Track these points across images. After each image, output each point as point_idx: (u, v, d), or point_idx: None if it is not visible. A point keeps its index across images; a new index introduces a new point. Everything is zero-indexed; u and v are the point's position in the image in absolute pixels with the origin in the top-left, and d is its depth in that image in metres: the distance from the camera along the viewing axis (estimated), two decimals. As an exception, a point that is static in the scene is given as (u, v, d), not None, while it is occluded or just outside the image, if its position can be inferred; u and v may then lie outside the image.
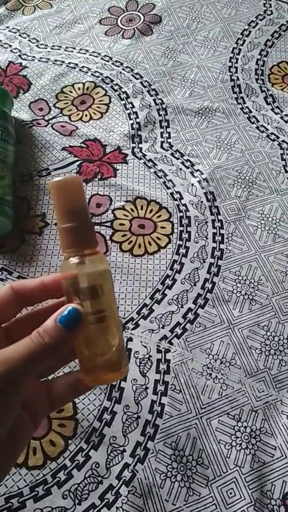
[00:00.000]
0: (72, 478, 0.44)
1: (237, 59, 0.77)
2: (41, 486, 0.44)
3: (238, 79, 0.74)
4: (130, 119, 0.69)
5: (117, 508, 0.43)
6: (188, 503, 0.44)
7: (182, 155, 0.66)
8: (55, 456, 0.45)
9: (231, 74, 0.75)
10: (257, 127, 0.69)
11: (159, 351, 0.51)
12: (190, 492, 0.44)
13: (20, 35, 0.78)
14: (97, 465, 0.45)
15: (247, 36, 0.79)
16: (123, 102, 0.71)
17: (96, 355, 0.29)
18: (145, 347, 0.51)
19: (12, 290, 0.30)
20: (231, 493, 0.45)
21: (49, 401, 0.31)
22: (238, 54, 0.77)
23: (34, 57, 0.75)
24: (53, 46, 0.77)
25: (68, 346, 0.27)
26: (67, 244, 0.29)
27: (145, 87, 0.72)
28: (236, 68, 0.75)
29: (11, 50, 0.76)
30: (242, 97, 0.72)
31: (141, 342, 0.52)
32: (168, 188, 0.63)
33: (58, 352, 0.26)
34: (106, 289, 0.29)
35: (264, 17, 0.80)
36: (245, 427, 0.48)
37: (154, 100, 0.71)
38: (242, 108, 0.71)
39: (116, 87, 0.72)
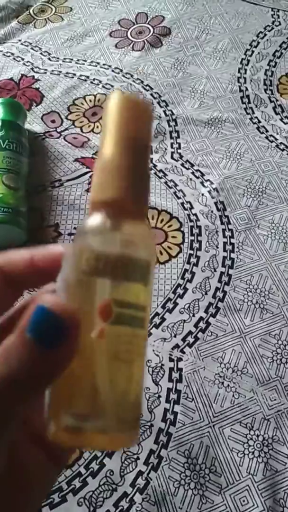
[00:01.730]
0: (87, 486, 0.45)
1: (245, 69, 0.78)
2: (57, 493, 0.45)
3: (247, 89, 0.75)
4: (141, 130, 0.70)
5: (131, 515, 0.44)
6: (202, 511, 0.44)
7: (192, 165, 0.67)
8: (70, 463, 0.46)
9: (240, 84, 0.76)
10: (266, 137, 0.70)
11: (171, 359, 0.52)
12: (203, 500, 0.45)
13: (32, 48, 0.80)
14: (111, 473, 0.46)
15: (256, 47, 0.80)
16: (133, 113, 0.72)
17: (88, 406, 0.17)
18: (158, 355, 0.52)
19: None
20: (244, 501, 0.45)
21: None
22: (247, 65, 0.78)
23: (46, 70, 0.77)
24: (64, 59, 0.79)
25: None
26: (104, 188, 0.19)
27: (155, 98, 0.73)
28: (245, 78, 0.76)
29: (24, 63, 0.77)
30: (251, 108, 0.73)
31: (153, 351, 0.52)
32: (179, 198, 0.64)
33: (39, 389, 0.16)
34: (149, 280, 0.19)
35: (273, 28, 0.81)
36: (258, 436, 0.48)
37: (164, 111, 0.72)
38: (251, 118, 0.72)
39: (126, 99, 0.73)
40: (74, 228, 0.60)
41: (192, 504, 0.44)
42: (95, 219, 0.19)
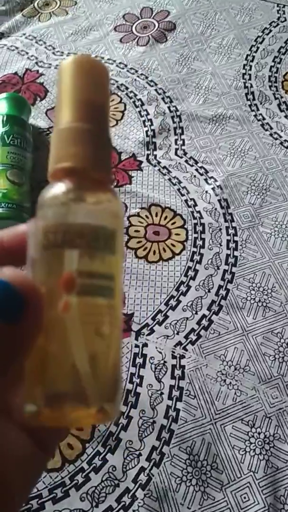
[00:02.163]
0: (89, 481, 0.45)
1: (250, 66, 0.77)
2: (60, 488, 0.45)
3: (251, 86, 0.75)
4: (145, 126, 0.70)
5: (133, 511, 0.44)
6: (203, 507, 0.45)
7: (196, 162, 0.67)
8: (73, 459, 0.46)
9: (244, 81, 0.75)
10: (271, 134, 0.69)
11: (174, 357, 0.52)
12: (205, 496, 0.45)
13: (36, 42, 0.80)
14: (113, 469, 0.46)
15: (261, 43, 0.79)
16: (138, 109, 0.72)
17: (63, 380, 0.17)
18: (160, 353, 0.52)
19: None
20: (245, 497, 0.45)
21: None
22: (252, 61, 0.78)
23: (50, 64, 0.76)
24: (69, 53, 0.78)
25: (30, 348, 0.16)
26: (63, 156, 0.18)
27: (159, 94, 0.73)
28: (250, 75, 0.76)
29: (28, 58, 0.77)
30: (255, 104, 0.73)
31: (156, 348, 0.53)
32: (183, 195, 0.63)
33: (8, 361, 0.16)
34: (117, 247, 0.18)
35: (278, 24, 0.81)
36: (259, 433, 0.48)
37: (169, 107, 0.72)
38: (255, 115, 0.71)
39: (131, 94, 0.73)
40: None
41: (193, 500, 0.45)
42: (53, 190, 0.18)
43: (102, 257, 0.17)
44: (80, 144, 0.18)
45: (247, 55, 0.79)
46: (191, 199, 0.63)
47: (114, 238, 0.18)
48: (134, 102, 0.72)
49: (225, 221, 0.61)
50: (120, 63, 0.77)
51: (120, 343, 0.18)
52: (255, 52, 0.79)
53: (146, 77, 0.75)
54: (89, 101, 0.18)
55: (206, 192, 0.64)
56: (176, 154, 0.67)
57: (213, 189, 0.64)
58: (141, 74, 0.75)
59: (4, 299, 0.15)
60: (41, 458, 0.19)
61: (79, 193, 0.17)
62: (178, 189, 0.64)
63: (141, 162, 0.66)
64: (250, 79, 0.76)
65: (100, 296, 0.17)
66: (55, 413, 0.17)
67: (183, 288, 0.57)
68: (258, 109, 0.72)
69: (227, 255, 0.59)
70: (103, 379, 0.17)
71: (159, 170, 0.66)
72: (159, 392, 0.50)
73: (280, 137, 0.69)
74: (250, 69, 0.77)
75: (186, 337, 0.53)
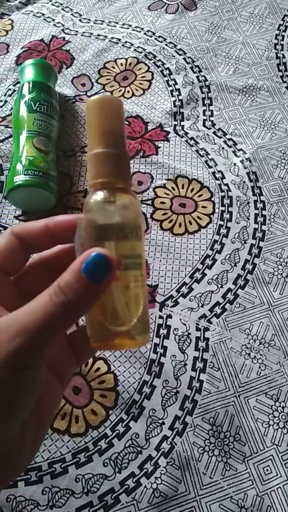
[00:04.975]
0: (112, 447, 0.46)
1: (283, 36, 0.75)
2: (83, 453, 0.45)
3: (284, 56, 0.72)
4: (173, 96, 0.68)
5: (156, 478, 0.44)
6: (225, 478, 0.45)
7: (225, 134, 0.65)
8: (96, 425, 0.47)
9: (276, 51, 0.73)
10: (303, 107, 0.67)
11: (198, 329, 0.52)
12: (227, 467, 0.45)
13: (63, 9, 0.78)
14: (136, 436, 0.46)
15: (295, 12, 0.76)
16: (165, 78, 0.70)
17: (115, 321, 0.25)
18: (184, 324, 0.52)
19: (13, 235, 0.26)
20: (267, 470, 0.45)
21: (74, 356, 0.27)
22: (285, 31, 0.75)
23: (77, 31, 0.75)
24: (95, 20, 0.76)
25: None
26: (97, 173, 0.25)
27: (188, 63, 0.71)
28: (282, 45, 0.73)
29: (54, 25, 0.75)
30: (287, 75, 0.70)
31: (180, 319, 0.52)
32: (210, 167, 0.62)
33: (87, 309, 0.22)
34: (141, 235, 0.26)
35: (313, -8, 0.78)
36: (283, 407, 0.48)
37: (197, 77, 0.70)
38: (287, 87, 0.69)
39: (159, 63, 0.71)
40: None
41: (215, 470, 0.45)
42: (95, 197, 0.25)
43: (133, 244, 0.25)
44: (110, 164, 0.25)
45: (280, 25, 0.76)
46: (218, 171, 0.62)
47: (140, 228, 0.26)
48: (161, 71, 0.70)
49: (254, 194, 0.60)
50: (148, 31, 0.75)
51: (146, 296, 0.26)
52: (288, 21, 0.76)
53: (175, 46, 0.73)
54: (111, 131, 0.25)
55: (235, 164, 0.62)
56: (204, 125, 0.66)
57: (241, 161, 0.62)
58: (170, 42, 0.73)
59: (98, 266, 0.21)
60: (59, 387, 0.27)
61: (114, 199, 0.25)
62: (206, 161, 0.63)
63: (168, 132, 0.65)
64: (282, 49, 0.73)
65: (134, 269, 0.25)
66: (111, 342, 0.25)
67: (208, 262, 0.56)
68: (290, 81, 0.70)
69: (255, 229, 0.58)
70: (139, 318, 0.25)
71: (186, 141, 0.64)
72: (182, 363, 0.50)
73: (312, 110, 0.67)
74: (283, 39, 0.74)
75: (211, 310, 0.53)
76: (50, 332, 0.21)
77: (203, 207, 0.59)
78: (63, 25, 0.75)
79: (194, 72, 0.70)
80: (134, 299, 0.25)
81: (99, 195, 0.25)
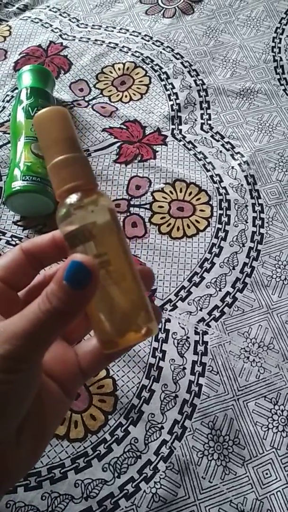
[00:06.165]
0: (111, 452, 0.46)
1: (280, 39, 0.75)
2: (82, 458, 0.45)
3: (281, 59, 0.72)
4: (170, 100, 0.68)
5: (155, 482, 0.44)
6: (225, 481, 0.45)
7: (223, 137, 0.65)
8: (95, 430, 0.47)
9: (274, 54, 0.73)
10: (300, 110, 0.67)
11: (196, 333, 0.52)
12: (226, 471, 0.45)
13: (60, 15, 0.78)
14: (136, 440, 0.46)
15: (292, 14, 0.76)
16: (163, 82, 0.70)
17: (111, 314, 0.25)
18: (183, 328, 0.52)
19: (22, 251, 0.26)
20: (267, 473, 0.45)
21: (80, 370, 0.27)
22: (282, 34, 0.75)
23: (74, 36, 0.75)
24: (93, 25, 0.77)
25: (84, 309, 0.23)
26: (60, 182, 0.25)
27: (185, 67, 0.71)
28: (279, 48, 0.74)
29: (52, 30, 0.76)
30: (285, 78, 0.70)
31: (179, 323, 0.52)
32: (208, 170, 0.62)
33: (72, 316, 0.22)
34: (119, 226, 0.26)
35: (310, -5, 0.78)
36: (282, 411, 0.48)
37: (195, 80, 0.70)
38: (285, 90, 0.69)
39: (156, 68, 0.71)
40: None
41: (215, 474, 0.45)
42: (63, 207, 0.25)
43: (115, 236, 0.26)
44: (72, 169, 0.25)
45: (277, 28, 0.76)
46: (216, 174, 0.62)
47: (114, 223, 0.26)
48: (159, 75, 0.71)
49: (252, 197, 0.60)
50: (145, 35, 0.75)
51: (141, 287, 0.26)
52: (285, 25, 0.76)
53: (172, 50, 0.73)
54: (61, 139, 0.25)
55: (232, 167, 0.62)
56: (201, 128, 0.66)
57: (239, 164, 0.62)
58: (167, 46, 0.74)
59: (77, 273, 0.21)
60: (67, 401, 0.27)
61: (84, 201, 0.25)
62: (204, 165, 0.63)
63: (165, 136, 0.65)
64: (279, 52, 0.73)
65: (103, 268, 0.25)
66: (121, 341, 0.26)
67: (207, 265, 0.56)
68: (287, 83, 0.70)
69: (253, 232, 0.58)
70: (135, 310, 0.26)
71: (184, 145, 0.64)
72: (181, 367, 0.50)
73: (310, 112, 0.67)
74: (280, 42, 0.74)
75: (209, 313, 0.53)
76: (39, 338, 0.21)
77: (201, 210, 0.59)
78: (60, 30, 0.76)
79: (192, 76, 0.70)
80: (124, 292, 0.25)
81: (67, 203, 0.25)
